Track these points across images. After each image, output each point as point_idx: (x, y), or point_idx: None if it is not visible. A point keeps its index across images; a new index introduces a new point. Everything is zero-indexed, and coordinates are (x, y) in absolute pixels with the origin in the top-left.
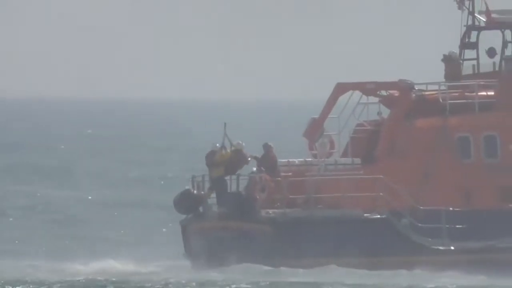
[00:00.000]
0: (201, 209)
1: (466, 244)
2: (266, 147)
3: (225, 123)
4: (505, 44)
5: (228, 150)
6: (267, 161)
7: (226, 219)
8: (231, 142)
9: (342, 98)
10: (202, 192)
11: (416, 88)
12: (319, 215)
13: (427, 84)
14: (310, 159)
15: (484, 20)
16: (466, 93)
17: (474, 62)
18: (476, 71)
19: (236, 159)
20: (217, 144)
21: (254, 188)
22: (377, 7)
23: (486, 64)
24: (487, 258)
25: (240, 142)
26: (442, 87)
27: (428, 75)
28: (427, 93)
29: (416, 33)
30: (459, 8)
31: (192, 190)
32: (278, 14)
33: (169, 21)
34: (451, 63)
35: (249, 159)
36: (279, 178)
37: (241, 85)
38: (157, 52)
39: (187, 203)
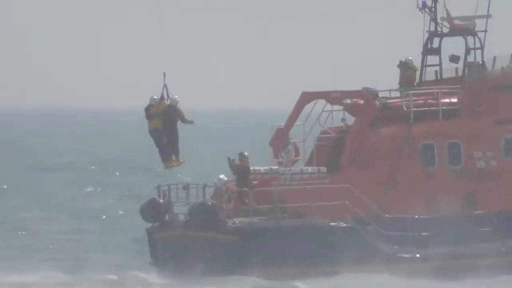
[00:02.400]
0: (167, 217)
1: (431, 251)
2: (241, 156)
3: (164, 73)
4: (468, 50)
5: (166, 102)
6: (240, 170)
7: (192, 228)
8: (168, 94)
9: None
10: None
11: (380, 96)
12: (285, 225)
13: (390, 91)
14: (275, 167)
15: (447, 26)
16: (429, 100)
17: (437, 68)
18: (438, 77)
19: (171, 113)
20: (155, 97)
21: (221, 198)
22: (340, 16)
23: (449, 69)
24: (452, 265)
25: (176, 97)
26: (406, 94)
27: (392, 81)
28: (391, 101)
29: (379, 39)
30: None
31: (158, 199)
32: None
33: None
34: (407, 69)
35: (192, 120)
36: (250, 187)
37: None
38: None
39: (153, 211)
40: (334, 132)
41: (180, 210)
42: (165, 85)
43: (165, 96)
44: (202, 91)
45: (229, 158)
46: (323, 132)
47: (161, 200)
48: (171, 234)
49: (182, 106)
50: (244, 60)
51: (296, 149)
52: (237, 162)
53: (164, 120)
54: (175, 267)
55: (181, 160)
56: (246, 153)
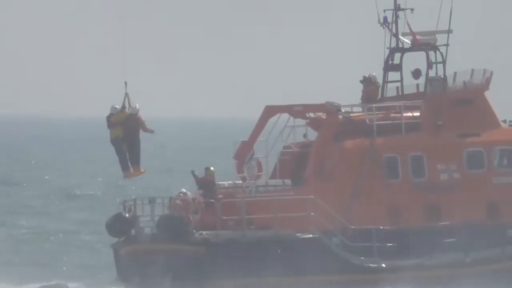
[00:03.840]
0: (133, 232)
1: (396, 262)
2: (207, 170)
3: (125, 82)
4: (430, 65)
5: (127, 111)
6: (206, 183)
7: (159, 242)
8: (130, 103)
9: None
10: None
11: (343, 110)
12: (252, 236)
13: (352, 106)
14: (239, 182)
15: (409, 42)
16: (392, 114)
17: (398, 84)
18: (400, 93)
19: (132, 122)
20: (116, 106)
21: (188, 210)
22: (303, 28)
23: (410, 85)
24: (416, 276)
25: (137, 105)
26: (369, 108)
27: (354, 97)
28: (354, 114)
29: (341, 54)
30: (383, 26)
31: (124, 214)
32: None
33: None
34: (369, 85)
35: (152, 130)
36: (217, 199)
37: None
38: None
39: (119, 226)
40: (297, 147)
41: (146, 224)
42: (126, 94)
43: (127, 105)
44: (164, 99)
45: (192, 172)
46: (285, 147)
47: (126, 215)
48: (137, 248)
49: (143, 115)
50: (210, 68)
51: (259, 165)
52: (201, 175)
53: (125, 129)
54: (141, 281)
55: (142, 170)
56: (212, 168)
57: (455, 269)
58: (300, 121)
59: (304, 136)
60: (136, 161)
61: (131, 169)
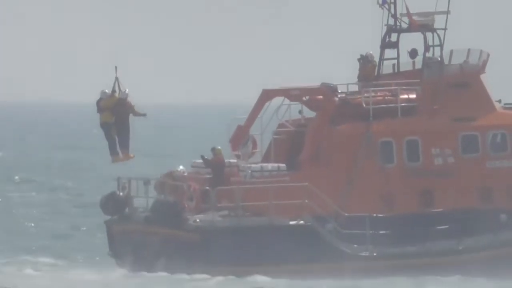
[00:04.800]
0: (127, 210)
1: (389, 249)
2: (214, 150)
3: (116, 67)
4: (427, 48)
5: (117, 95)
6: (215, 164)
7: (153, 224)
8: (120, 88)
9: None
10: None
11: (339, 91)
12: (246, 223)
13: (347, 84)
14: (233, 161)
15: (406, 22)
16: (388, 97)
17: (394, 61)
18: (396, 70)
19: (121, 107)
20: (106, 90)
21: (183, 197)
22: (301, 8)
23: (406, 63)
24: (410, 263)
25: (126, 90)
26: (366, 91)
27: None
28: (350, 97)
29: (339, 33)
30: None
31: (118, 192)
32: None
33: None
34: (366, 64)
35: (144, 113)
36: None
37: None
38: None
39: (113, 204)
40: (292, 125)
41: (140, 204)
42: (116, 78)
43: (116, 90)
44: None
45: (202, 156)
46: (280, 126)
47: (120, 193)
48: (131, 227)
49: (133, 99)
50: (200, 52)
51: (254, 142)
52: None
53: (114, 114)
54: (133, 260)
55: (131, 155)
56: (219, 147)
57: (448, 257)
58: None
59: (300, 112)
60: (125, 146)
61: (120, 154)
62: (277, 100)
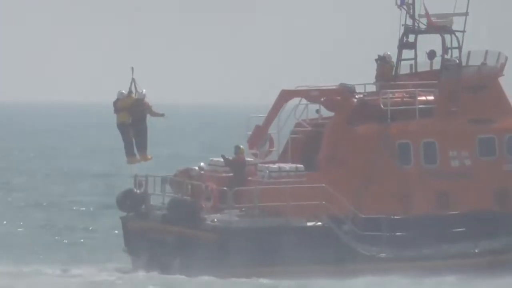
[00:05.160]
0: (143, 208)
1: (406, 251)
2: (236, 149)
3: (132, 68)
4: (445, 50)
5: (134, 96)
6: (236, 163)
7: (170, 223)
8: (136, 88)
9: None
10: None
11: (357, 92)
12: (263, 224)
13: (365, 85)
14: (250, 159)
15: (424, 23)
16: (406, 99)
17: (412, 61)
18: (413, 71)
19: (138, 108)
20: (123, 91)
21: (200, 196)
22: (318, 8)
23: (423, 62)
24: (427, 265)
25: (143, 91)
26: (384, 92)
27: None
28: (368, 97)
29: (357, 34)
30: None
31: (135, 189)
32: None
33: None
34: (384, 64)
35: (162, 113)
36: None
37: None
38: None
39: (129, 201)
40: (309, 125)
41: (156, 202)
42: (133, 79)
43: (133, 90)
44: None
45: (222, 155)
46: (298, 125)
47: (137, 191)
48: (147, 225)
49: (151, 99)
50: (217, 54)
51: (271, 141)
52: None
53: (131, 114)
54: (149, 258)
55: (149, 157)
56: (242, 146)
57: (464, 259)
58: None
59: (317, 111)
60: (143, 147)
61: (137, 155)
62: (294, 100)
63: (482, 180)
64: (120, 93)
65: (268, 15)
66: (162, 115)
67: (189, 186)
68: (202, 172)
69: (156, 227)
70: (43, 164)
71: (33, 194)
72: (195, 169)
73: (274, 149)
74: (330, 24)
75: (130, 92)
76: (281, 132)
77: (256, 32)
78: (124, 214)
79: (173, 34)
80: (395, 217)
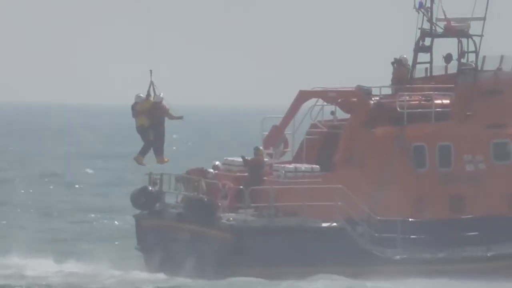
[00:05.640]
0: (157, 206)
1: (420, 254)
2: (256, 150)
3: (150, 71)
4: (462, 53)
5: (152, 99)
6: (255, 164)
7: (186, 221)
8: (155, 92)
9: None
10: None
11: (374, 95)
12: (279, 224)
13: (380, 87)
14: (267, 160)
15: (441, 27)
16: (422, 102)
17: (427, 65)
18: (428, 75)
19: (156, 111)
20: (141, 94)
21: (217, 195)
22: (337, 10)
23: (439, 67)
24: (440, 269)
25: (161, 94)
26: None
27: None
28: (384, 100)
29: (373, 37)
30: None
31: (149, 187)
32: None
33: None
34: (400, 67)
35: (181, 116)
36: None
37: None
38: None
39: (144, 199)
40: (325, 126)
41: (171, 201)
42: (151, 82)
43: (152, 94)
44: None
45: (242, 157)
46: (313, 126)
47: (152, 189)
48: (162, 223)
49: (169, 103)
50: (231, 57)
51: (285, 141)
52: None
53: (149, 118)
54: (164, 257)
55: (165, 159)
56: (261, 147)
57: (477, 263)
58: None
59: (332, 113)
60: (159, 150)
61: (143, 159)
62: (309, 101)
63: (496, 185)
64: (138, 97)
65: (286, 17)
66: (181, 118)
67: (203, 185)
68: (217, 171)
69: (171, 225)
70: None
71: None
72: (208, 171)
73: (288, 149)
74: (345, 26)
75: (148, 95)
76: (296, 133)
77: (274, 33)
78: (137, 211)
79: (187, 33)
80: (410, 219)
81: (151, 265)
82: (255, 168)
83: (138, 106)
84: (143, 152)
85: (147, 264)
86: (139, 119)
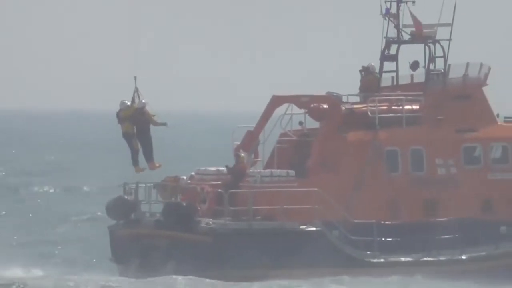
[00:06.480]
0: (133, 215)
1: (396, 256)
2: (238, 157)
3: (135, 77)
4: (432, 59)
5: (134, 106)
6: (236, 171)
7: (164, 228)
8: (139, 98)
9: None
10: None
11: (344, 101)
12: (258, 227)
13: (347, 95)
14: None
15: (408, 33)
16: (392, 107)
17: (394, 74)
18: (395, 83)
19: (139, 117)
20: (125, 101)
21: (196, 199)
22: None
23: (405, 75)
24: (414, 271)
25: (144, 100)
26: (371, 100)
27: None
28: (356, 106)
29: (340, 44)
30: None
31: (125, 197)
32: None
33: None
34: (368, 75)
35: (164, 122)
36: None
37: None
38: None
39: (120, 209)
40: (295, 135)
41: (147, 209)
42: (136, 89)
43: (136, 100)
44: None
45: (226, 166)
46: (283, 135)
47: (127, 198)
48: (139, 232)
49: (154, 109)
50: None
51: (255, 152)
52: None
53: (134, 124)
54: (140, 264)
55: (157, 165)
56: (243, 154)
57: (451, 265)
58: (299, 110)
59: (300, 123)
60: (149, 156)
61: (139, 165)
62: (280, 110)
63: (467, 189)
64: (122, 103)
65: (253, 23)
66: (164, 124)
67: (179, 191)
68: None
69: (150, 232)
70: None
71: None
72: (183, 178)
73: (259, 159)
74: (313, 33)
75: (133, 101)
76: (265, 142)
77: (242, 39)
78: (112, 222)
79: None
80: (385, 222)
81: (126, 275)
82: (237, 175)
83: (122, 113)
84: (134, 160)
85: (122, 275)
86: (124, 126)
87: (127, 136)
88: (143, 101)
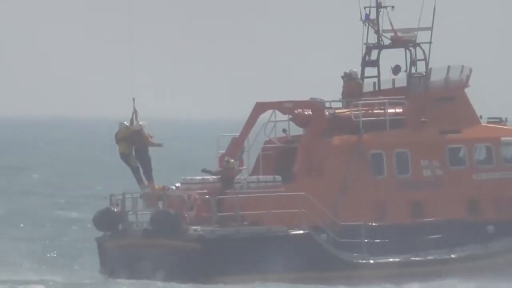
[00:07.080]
0: (120, 226)
1: (384, 258)
2: (227, 163)
3: (133, 98)
4: (413, 62)
5: (132, 127)
6: (225, 176)
7: (151, 237)
8: (136, 119)
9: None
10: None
11: (328, 106)
12: (245, 232)
13: (330, 102)
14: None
15: (388, 38)
16: (376, 111)
17: (375, 79)
18: (376, 88)
19: (136, 138)
20: (125, 122)
21: (183, 207)
22: (283, 25)
23: (386, 81)
24: (401, 272)
25: (141, 122)
26: (355, 105)
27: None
28: (339, 111)
29: (322, 50)
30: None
31: (112, 208)
32: None
33: None
34: (350, 81)
35: (160, 143)
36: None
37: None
38: None
39: (107, 220)
40: (279, 142)
41: (134, 219)
42: (135, 110)
43: (134, 121)
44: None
45: (204, 169)
46: (268, 142)
47: (114, 209)
48: (127, 242)
49: (151, 130)
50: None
51: (240, 159)
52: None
53: (132, 145)
54: (130, 274)
55: (156, 187)
56: (232, 160)
57: (439, 266)
58: (283, 116)
59: (284, 131)
60: (149, 177)
61: (151, 183)
62: (263, 118)
63: (453, 190)
64: (121, 124)
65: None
66: (160, 145)
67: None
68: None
69: (138, 242)
70: None
71: None
72: (172, 188)
73: (244, 167)
74: (296, 40)
75: (131, 123)
76: (249, 150)
77: (227, 47)
78: (100, 234)
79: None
80: (372, 224)
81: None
82: (229, 181)
83: (120, 134)
84: (137, 179)
85: (111, 285)
86: (121, 146)
87: (123, 156)
88: (141, 123)
